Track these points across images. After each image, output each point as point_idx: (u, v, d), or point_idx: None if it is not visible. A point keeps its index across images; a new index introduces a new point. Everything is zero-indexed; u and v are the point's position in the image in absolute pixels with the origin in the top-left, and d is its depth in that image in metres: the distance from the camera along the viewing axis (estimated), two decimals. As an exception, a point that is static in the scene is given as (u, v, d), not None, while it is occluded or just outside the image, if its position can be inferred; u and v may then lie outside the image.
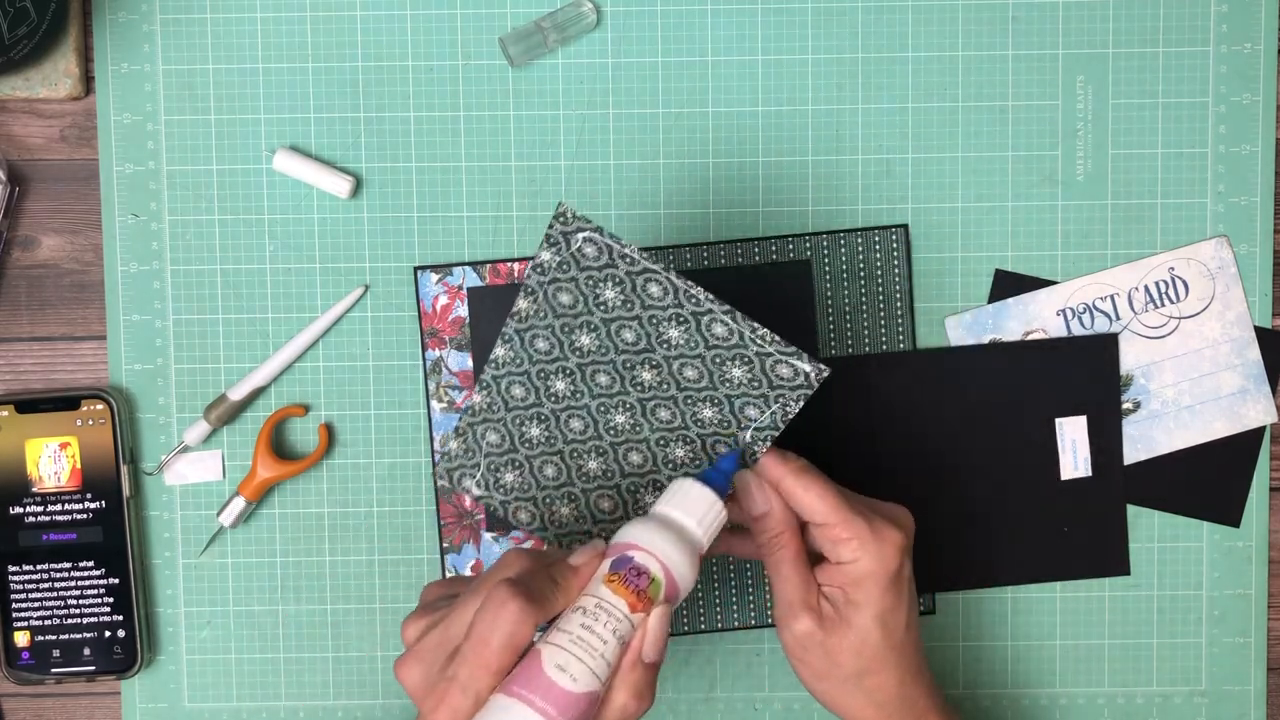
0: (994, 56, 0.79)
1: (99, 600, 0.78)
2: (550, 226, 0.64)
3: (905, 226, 0.79)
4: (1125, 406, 0.79)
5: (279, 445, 0.79)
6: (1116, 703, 0.80)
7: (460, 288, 0.78)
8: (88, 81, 0.79)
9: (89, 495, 0.78)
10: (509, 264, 0.78)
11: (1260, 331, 0.79)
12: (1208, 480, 0.80)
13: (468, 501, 0.79)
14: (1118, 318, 0.79)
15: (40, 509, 0.78)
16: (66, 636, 0.78)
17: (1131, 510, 0.80)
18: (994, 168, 0.79)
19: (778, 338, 0.65)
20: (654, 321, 0.66)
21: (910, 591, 0.68)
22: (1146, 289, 0.79)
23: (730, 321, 0.65)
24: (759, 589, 0.79)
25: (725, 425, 0.68)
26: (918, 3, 0.79)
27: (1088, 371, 0.79)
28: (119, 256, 0.79)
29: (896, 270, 0.79)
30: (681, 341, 0.66)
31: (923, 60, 0.79)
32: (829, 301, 0.79)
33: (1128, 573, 0.80)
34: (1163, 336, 0.79)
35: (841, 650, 0.67)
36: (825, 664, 0.67)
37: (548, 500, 0.71)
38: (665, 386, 0.67)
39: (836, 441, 0.78)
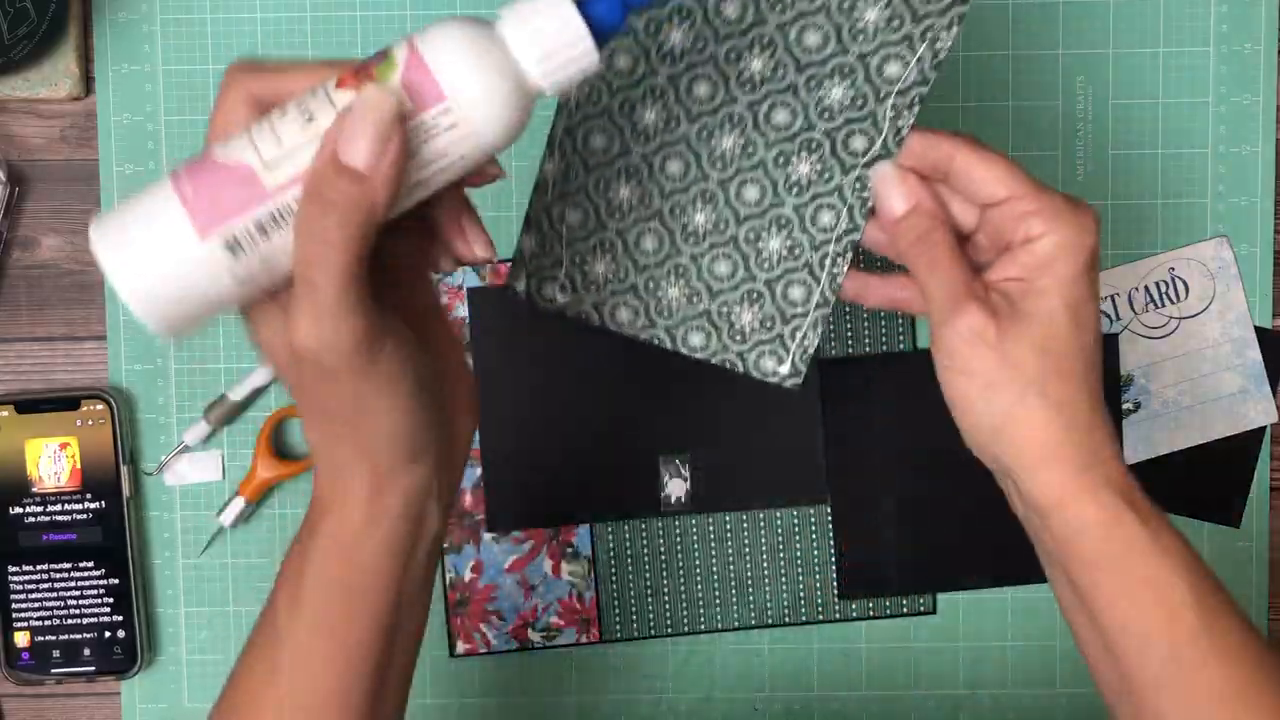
0: (994, 56, 0.79)
1: (99, 600, 0.78)
2: None
3: (905, 226, 0.79)
4: (1125, 407, 0.79)
5: (279, 445, 0.79)
6: (1116, 703, 0.80)
7: (460, 288, 0.78)
8: (88, 81, 0.79)
9: (89, 495, 0.78)
10: (509, 264, 0.78)
11: (1260, 332, 0.79)
12: (1208, 480, 0.79)
13: (468, 501, 0.79)
14: (1118, 318, 0.79)
15: (40, 509, 0.78)
16: (66, 637, 0.78)
17: (1131, 510, 0.80)
18: (994, 168, 0.79)
19: None
20: None
21: (1097, 295, 0.56)
22: (1146, 289, 0.79)
23: None
24: (759, 589, 0.79)
25: (859, 103, 0.58)
26: (918, 3, 0.79)
27: (1088, 371, 0.79)
28: (119, 256, 0.79)
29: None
30: None
31: (923, 60, 0.79)
32: (829, 301, 0.78)
33: (1128, 573, 0.80)
34: (1163, 337, 0.79)
35: (1021, 347, 0.55)
36: (999, 369, 0.55)
37: (650, 285, 0.60)
38: (780, 72, 0.57)
39: (835, 442, 0.78)
